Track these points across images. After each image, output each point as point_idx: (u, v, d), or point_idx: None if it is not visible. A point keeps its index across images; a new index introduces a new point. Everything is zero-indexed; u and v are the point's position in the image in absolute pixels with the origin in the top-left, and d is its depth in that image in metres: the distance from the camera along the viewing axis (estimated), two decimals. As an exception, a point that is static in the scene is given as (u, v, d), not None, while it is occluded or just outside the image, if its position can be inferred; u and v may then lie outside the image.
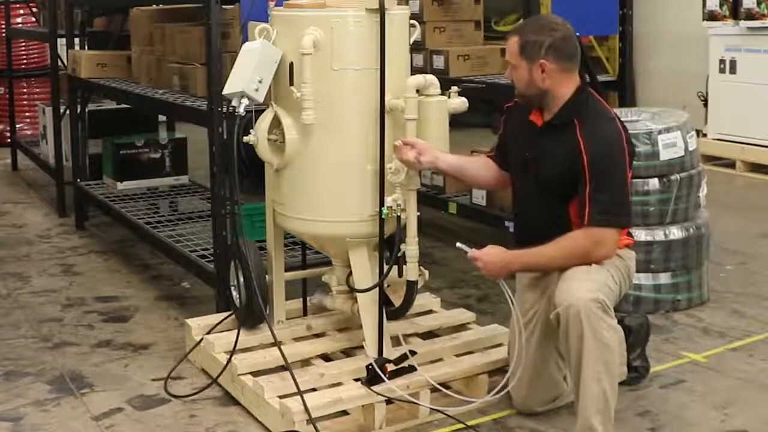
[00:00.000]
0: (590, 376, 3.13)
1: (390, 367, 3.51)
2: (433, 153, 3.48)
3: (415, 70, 3.78)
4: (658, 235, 4.56)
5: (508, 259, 3.37)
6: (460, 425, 3.50)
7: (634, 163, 3.51)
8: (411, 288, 3.61)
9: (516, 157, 3.57)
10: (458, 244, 3.42)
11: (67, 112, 6.51)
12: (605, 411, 3.15)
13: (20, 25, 9.11)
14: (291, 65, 3.55)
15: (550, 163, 3.38)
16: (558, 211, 3.39)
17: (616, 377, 3.21)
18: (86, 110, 6.59)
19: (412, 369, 3.55)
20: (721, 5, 8.06)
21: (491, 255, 3.36)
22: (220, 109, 4.14)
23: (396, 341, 3.70)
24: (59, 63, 6.81)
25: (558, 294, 3.21)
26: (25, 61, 9.58)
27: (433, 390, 3.55)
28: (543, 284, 3.48)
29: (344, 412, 3.52)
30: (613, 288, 3.28)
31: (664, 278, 4.59)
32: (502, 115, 3.71)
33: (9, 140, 8.66)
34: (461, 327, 4.11)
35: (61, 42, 6.66)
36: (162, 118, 6.76)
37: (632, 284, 3.61)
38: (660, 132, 4.55)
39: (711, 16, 8.18)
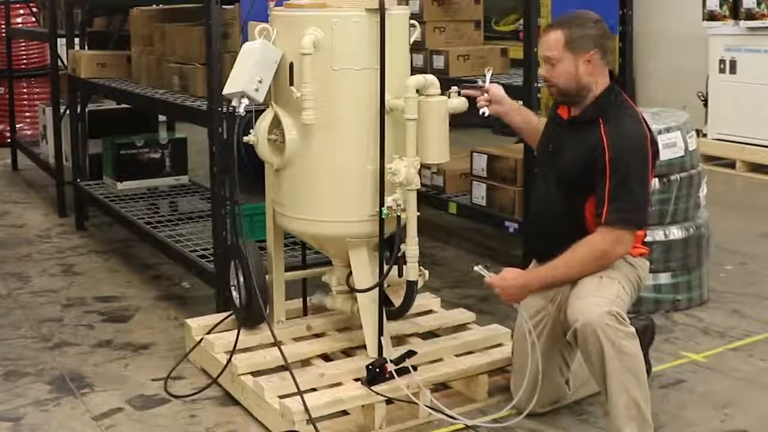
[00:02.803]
0: (617, 388, 3.13)
1: (390, 367, 3.51)
2: (502, 109, 3.61)
3: (415, 70, 3.78)
4: (658, 235, 4.55)
5: (525, 280, 3.36)
6: (460, 425, 3.50)
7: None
8: (411, 288, 3.61)
9: (539, 148, 3.61)
10: (476, 268, 3.39)
11: (67, 112, 6.51)
12: (638, 417, 3.14)
13: (20, 25, 9.10)
14: (291, 65, 3.55)
15: (570, 157, 3.38)
16: (573, 207, 3.39)
17: (644, 383, 3.19)
18: (86, 110, 6.59)
19: (411, 369, 3.55)
20: (721, 5, 8.06)
21: (508, 280, 3.35)
22: (220, 109, 4.14)
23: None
24: (59, 63, 6.81)
25: (571, 312, 3.20)
26: (25, 61, 9.58)
27: (433, 390, 3.55)
28: (552, 290, 3.46)
29: (344, 412, 3.52)
30: (624, 299, 3.28)
31: (664, 278, 4.59)
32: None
33: (9, 140, 8.66)
34: (461, 327, 4.10)
35: (61, 42, 6.66)
36: (162, 118, 6.76)
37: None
38: (660, 132, 4.54)
39: (711, 16, 8.18)
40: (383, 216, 3.52)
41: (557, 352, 3.53)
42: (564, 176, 3.41)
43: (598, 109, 3.37)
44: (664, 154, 4.53)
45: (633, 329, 3.18)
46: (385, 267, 3.56)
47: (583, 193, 3.36)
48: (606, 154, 3.26)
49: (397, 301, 3.72)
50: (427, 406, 3.52)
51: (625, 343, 3.12)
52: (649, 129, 3.37)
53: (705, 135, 8.25)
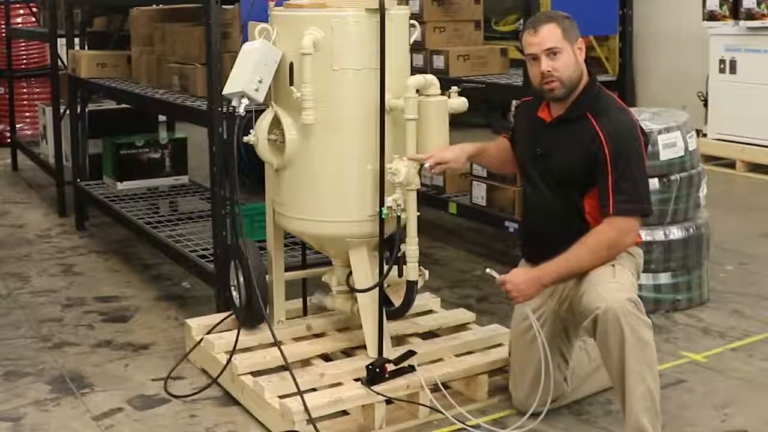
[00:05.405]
0: (635, 377, 3.13)
1: (390, 367, 3.51)
2: (452, 165, 3.56)
3: (415, 70, 3.78)
4: (658, 235, 4.56)
5: (537, 274, 3.35)
6: (460, 425, 3.50)
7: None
8: (411, 288, 3.61)
9: (524, 152, 3.58)
10: (488, 270, 3.41)
11: (67, 112, 6.51)
12: (652, 408, 3.16)
13: (20, 25, 9.11)
14: (291, 65, 3.55)
15: (565, 157, 3.39)
16: (571, 205, 3.40)
17: (657, 373, 3.21)
18: (86, 110, 6.59)
19: (412, 369, 3.55)
20: (721, 5, 8.06)
21: (518, 276, 3.35)
22: (220, 109, 4.14)
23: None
24: (59, 63, 6.81)
25: (590, 299, 3.20)
26: (25, 61, 9.58)
27: (433, 390, 3.55)
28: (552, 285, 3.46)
29: (344, 412, 3.52)
30: (636, 287, 3.32)
31: (664, 278, 4.59)
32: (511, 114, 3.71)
33: (9, 140, 8.66)
34: (461, 327, 4.10)
35: (61, 42, 6.66)
36: (162, 118, 6.76)
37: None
38: (660, 132, 4.55)
39: (711, 16, 8.18)
40: (383, 216, 3.52)
41: (556, 349, 3.52)
42: (562, 176, 3.41)
43: (585, 104, 3.40)
44: (664, 154, 4.54)
45: (650, 320, 3.19)
46: (385, 267, 3.56)
47: (582, 190, 3.38)
48: (606, 148, 3.29)
49: (397, 301, 3.72)
50: (427, 405, 3.52)
51: (644, 332, 3.13)
52: (634, 116, 3.43)
53: (705, 135, 8.25)
